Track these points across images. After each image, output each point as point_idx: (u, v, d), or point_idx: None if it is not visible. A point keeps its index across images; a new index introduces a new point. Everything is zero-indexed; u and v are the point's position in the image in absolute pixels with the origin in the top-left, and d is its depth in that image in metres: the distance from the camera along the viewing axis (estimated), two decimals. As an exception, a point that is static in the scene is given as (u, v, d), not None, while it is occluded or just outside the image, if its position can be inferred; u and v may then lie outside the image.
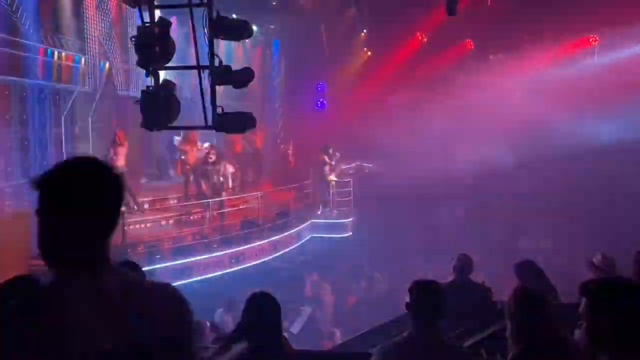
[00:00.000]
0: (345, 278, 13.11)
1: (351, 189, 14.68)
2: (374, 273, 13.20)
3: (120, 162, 10.54)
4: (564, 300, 4.39)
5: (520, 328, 2.60)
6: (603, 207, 13.95)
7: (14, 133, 9.65)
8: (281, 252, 12.15)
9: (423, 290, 3.01)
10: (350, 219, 14.44)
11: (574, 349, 2.52)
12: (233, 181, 12.14)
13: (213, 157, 11.50)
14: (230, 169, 11.81)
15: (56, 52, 10.60)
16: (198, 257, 10.34)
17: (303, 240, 13.36)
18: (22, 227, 9.39)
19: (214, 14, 4.93)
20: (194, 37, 5.13)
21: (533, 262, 4.79)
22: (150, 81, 5.03)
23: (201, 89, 5.23)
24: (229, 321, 7.59)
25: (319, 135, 16.12)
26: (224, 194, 11.56)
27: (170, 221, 11.38)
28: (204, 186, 11.47)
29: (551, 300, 2.82)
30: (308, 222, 13.78)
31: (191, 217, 11.63)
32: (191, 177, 12.07)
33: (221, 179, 11.59)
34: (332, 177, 14.70)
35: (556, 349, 2.55)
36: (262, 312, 3.04)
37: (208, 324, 5.31)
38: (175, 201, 12.07)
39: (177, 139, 13.93)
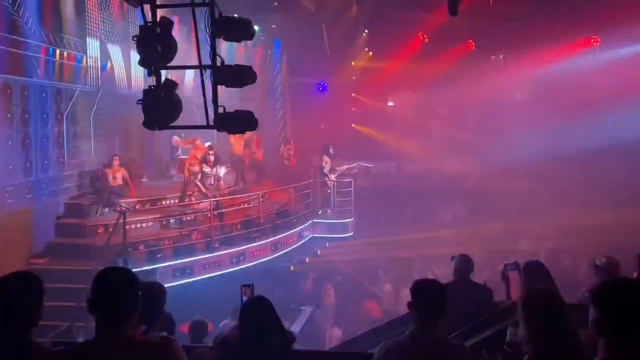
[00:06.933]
0: (345, 278, 13.10)
1: (352, 189, 14.67)
2: (377, 272, 13.21)
3: (114, 182, 10.84)
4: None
5: (537, 329, 2.57)
6: (604, 209, 13.92)
7: (16, 132, 9.65)
8: (282, 252, 12.16)
9: (425, 290, 3.02)
10: (351, 219, 14.43)
11: (585, 349, 2.51)
12: (225, 182, 12.08)
13: (212, 158, 11.51)
14: (223, 170, 11.79)
15: (58, 51, 10.60)
16: (199, 257, 10.34)
17: (304, 240, 13.36)
18: (23, 225, 9.42)
19: (216, 14, 4.93)
20: (196, 37, 5.14)
21: (542, 263, 4.77)
22: (152, 80, 5.03)
23: (203, 89, 5.24)
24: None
25: (320, 135, 16.14)
26: (218, 194, 11.55)
27: (172, 220, 11.38)
28: (202, 187, 11.46)
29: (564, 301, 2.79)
30: (309, 222, 13.78)
31: (191, 217, 11.62)
32: (191, 177, 12.06)
33: (215, 180, 11.58)
34: (332, 177, 14.69)
35: (570, 349, 2.53)
36: (258, 319, 3.07)
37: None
38: (176, 201, 12.07)
39: (175, 138, 13.94)
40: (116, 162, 11.08)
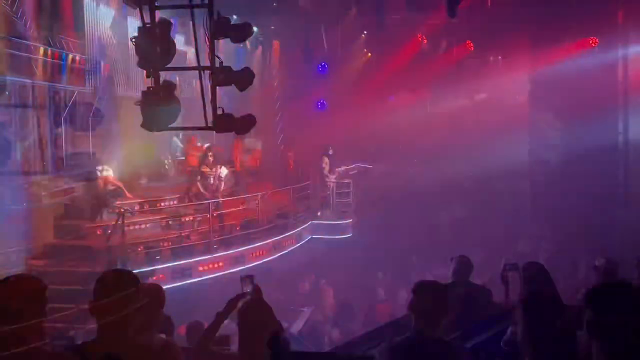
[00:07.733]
0: (345, 279, 13.09)
1: (351, 190, 14.65)
2: (377, 273, 13.20)
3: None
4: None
5: (535, 330, 2.57)
6: (603, 210, 13.93)
7: (14, 133, 9.64)
8: (281, 253, 12.14)
9: (426, 291, 3.03)
10: (350, 220, 14.42)
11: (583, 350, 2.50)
12: (226, 184, 12.04)
13: (211, 159, 11.50)
14: (224, 171, 11.74)
15: (57, 52, 10.59)
16: (198, 258, 10.32)
17: (303, 242, 13.35)
18: (22, 227, 9.40)
19: (215, 15, 4.94)
20: (195, 38, 5.14)
21: (541, 264, 4.77)
22: (150, 82, 5.03)
23: (202, 90, 5.25)
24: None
25: (319, 136, 16.12)
26: (219, 196, 11.52)
27: (170, 222, 11.36)
28: (201, 188, 11.44)
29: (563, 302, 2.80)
30: (308, 224, 13.77)
31: (190, 218, 11.60)
32: (191, 178, 12.05)
33: (216, 181, 11.55)
34: (332, 178, 14.68)
35: (569, 350, 2.53)
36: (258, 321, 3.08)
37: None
38: (175, 202, 12.05)
39: (175, 139, 13.92)
40: (101, 176, 10.78)
